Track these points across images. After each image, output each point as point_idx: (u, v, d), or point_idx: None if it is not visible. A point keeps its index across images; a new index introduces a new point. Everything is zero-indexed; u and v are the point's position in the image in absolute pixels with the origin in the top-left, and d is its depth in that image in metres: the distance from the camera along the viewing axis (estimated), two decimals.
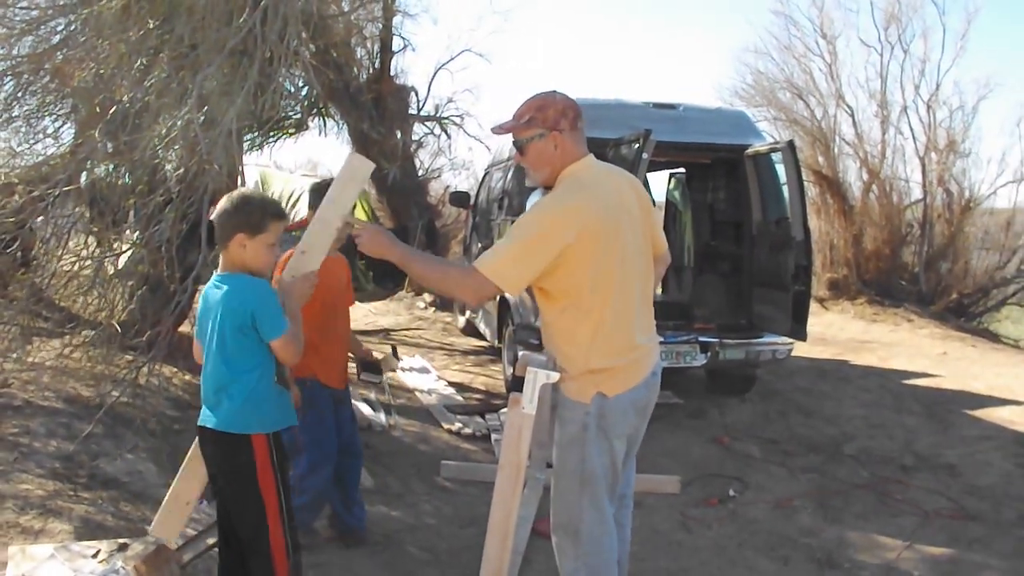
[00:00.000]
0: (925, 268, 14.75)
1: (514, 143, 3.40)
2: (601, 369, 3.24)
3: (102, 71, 5.59)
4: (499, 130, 3.43)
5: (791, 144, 7.26)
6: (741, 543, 5.05)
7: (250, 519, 3.22)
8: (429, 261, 3.27)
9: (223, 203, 3.18)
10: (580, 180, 3.29)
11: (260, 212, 3.16)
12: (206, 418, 3.21)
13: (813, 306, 7.78)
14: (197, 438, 3.32)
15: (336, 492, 4.56)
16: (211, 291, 3.20)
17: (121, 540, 4.01)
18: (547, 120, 3.26)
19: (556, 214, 3.17)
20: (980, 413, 7.71)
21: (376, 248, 3.26)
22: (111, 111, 5.33)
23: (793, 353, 7.61)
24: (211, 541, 4.02)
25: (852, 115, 15.88)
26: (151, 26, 5.48)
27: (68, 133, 6.57)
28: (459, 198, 10.66)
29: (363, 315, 12.55)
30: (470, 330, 10.72)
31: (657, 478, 5.91)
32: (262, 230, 3.14)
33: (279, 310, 3.16)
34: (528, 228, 3.16)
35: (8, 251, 5.77)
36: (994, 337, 13.44)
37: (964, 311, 14.28)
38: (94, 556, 3.84)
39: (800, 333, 7.23)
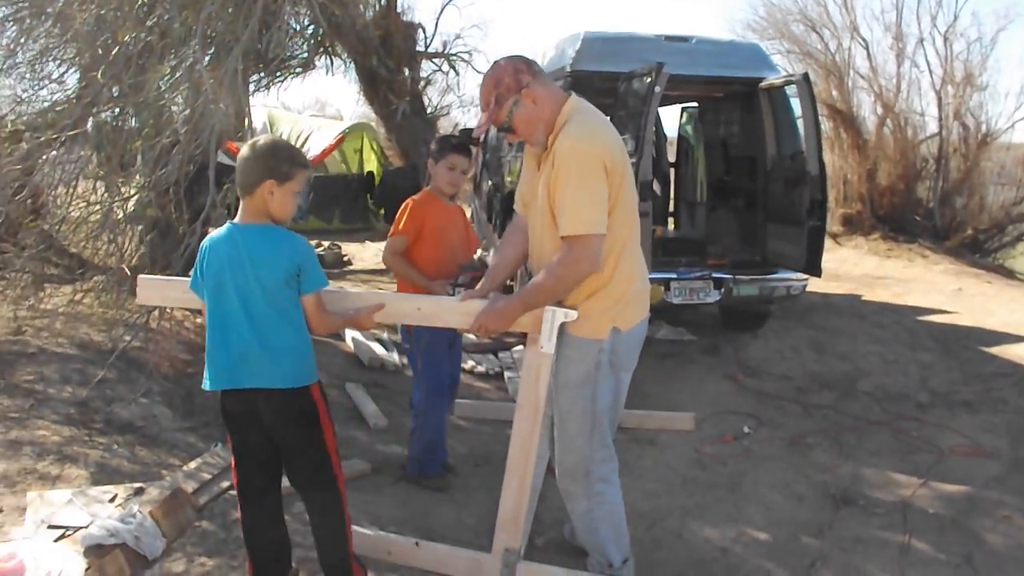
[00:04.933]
0: (940, 203, 14.60)
1: (500, 130, 3.37)
2: (620, 297, 3.22)
3: (104, 12, 5.50)
4: (480, 129, 3.44)
5: (806, 77, 7.13)
6: (756, 480, 5.05)
7: (313, 461, 3.26)
8: (538, 284, 3.18)
9: (247, 151, 3.11)
10: (586, 111, 3.26)
11: (288, 160, 3.11)
12: (258, 378, 3.13)
13: (827, 242, 7.70)
14: (228, 402, 3.22)
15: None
16: (239, 241, 3.10)
17: (137, 484, 4.04)
18: (510, 86, 3.23)
19: (592, 143, 3.13)
20: (996, 350, 7.66)
21: (506, 322, 3.27)
22: (114, 52, 5.25)
23: (807, 289, 7.55)
24: (225, 484, 4.05)
25: (867, 48, 15.64)
26: None
27: (73, 78, 6.50)
28: (469, 135, 10.56)
29: (373, 255, 12.54)
30: (482, 267, 10.68)
31: (671, 415, 5.91)
32: (290, 178, 3.09)
33: (319, 265, 3.19)
34: (579, 169, 3.10)
35: (17, 198, 5.73)
36: (1009, 273, 13.32)
37: (979, 247, 14.17)
38: (111, 500, 3.87)
39: (815, 269, 7.17)
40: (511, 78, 3.23)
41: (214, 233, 3.20)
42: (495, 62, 3.34)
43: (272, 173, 3.06)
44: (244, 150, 3.13)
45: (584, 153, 3.10)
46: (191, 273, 3.29)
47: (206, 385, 3.22)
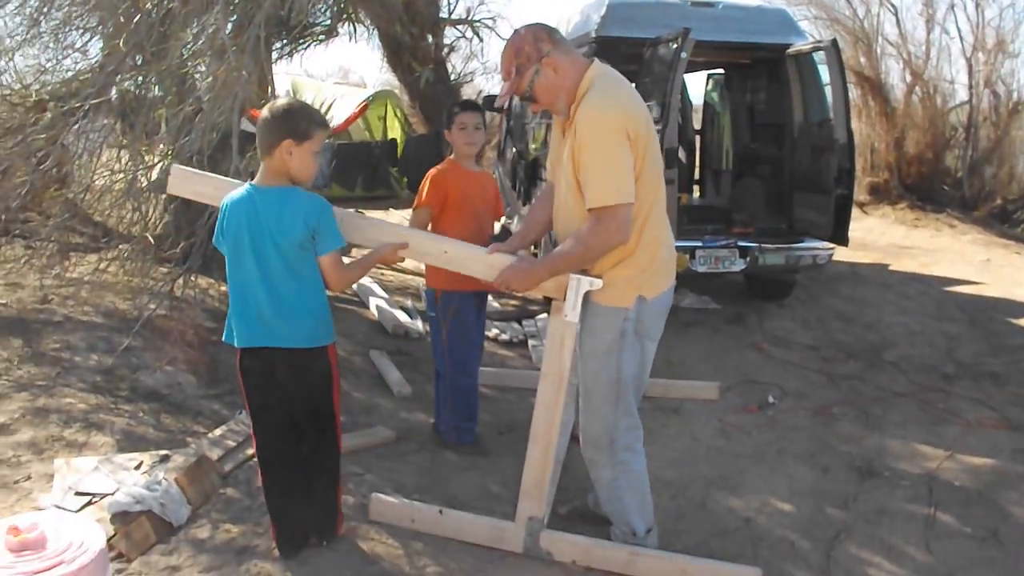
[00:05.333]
0: (969, 173, 14.39)
1: (523, 99, 3.37)
2: (646, 266, 3.20)
3: None
4: (502, 99, 3.42)
5: (834, 43, 7.04)
6: (780, 450, 5.02)
7: (320, 421, 3.35)
8: (566, 250, 3.17)
9: (265, 112, 3.15)
10: (608, 77, 3.23)
11: (306, 120, 3.14)
12: (275, 338, 3.18)
13: (853, 211, 7.62)
14: (246, 360, 3.27)
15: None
16: (257, 203, 3.13)
17: (163, 451, 4.07)
18: (530, 56, 3.21)
19: (614, 112, 3.10)
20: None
21: (529, 282, 3.27)
22: (135, 19, 5.23)
23: (833, 258, 7.48)
24: (250, 452, 4.07)
25: (896, 14, 15.37)
26: None
27: (96, 47, 6.49)
28: (492, 102, 10.49)
29: (397, 221, 12.50)
30: (504, 235, 10.66)
31: (696, 384, 5.88)
32: (308, 137, 3.12)
33: (336, 225, 3.20)
34: (602, 139, 3.07)
35: (42, 167, 5.75)
36: None
37: (1008, 217, 13.95)
38: (137, 468, 3.90)
39: (841, 238, 7.11)
40: (531, 47, 3.21)
41: (233, 193, 3.22)
42: (515, 31, 3.32)
43: (290, 133, 3.09)
44: (263, 112, 3.17)
45: (606, 122, 3.07)
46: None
47: (225, 337, 3.28)
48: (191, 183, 3.60)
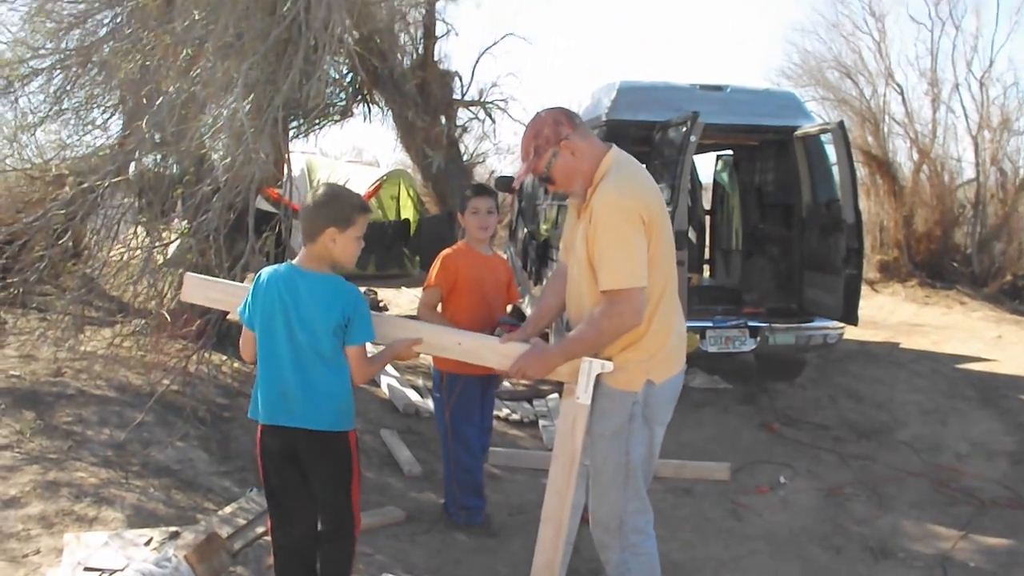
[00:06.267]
0: (978, 249, 14.47)
1: (540, 180, 3.42)
2: (656, 351, 3.22)
3: (148, 63, 5.63)
4: (519, 178, 3.58)
5: (841, 125, 7.15)
6: (792, 531, 4.99)
7: (342, 506, 3.32)
8: (580, 335, 3.21)
9: (310, 198, 3.22)
10: (625, 163, 3.29)
11: (349, 207, 3.20)
12: (298, 418, 3.19)
13: (863, 289, 7.66)
14: (267, 438, 3.28)
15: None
16: (298, 284, 3.18)
17: (173, 528, 4.06)
18: (549, 138, 3.27)
19: (630, 198, 3.15)
20: None
21: (544, 369, 3.31)
22: (158, 102, 5.36)
23: (844, 337, 7.49)
24: (260, 530, 4.06)
25: (902, 94, 15.63)
26: (196, 17, 5.50)
27: (116, 124, 6.66)
28: (505, 183, 10.59)
29: (409, 300, 12.60)
30: (516, 315, 10.71)
31: (707, 465, 5.86)
32: (351, 224, 3.18)
33: (370, 318, 3.24)
34: (617, 223, 3.12)
35: (60, 242, 5.84)
36: None
37: (1019, 293, 13.97)
38: (147, 544, 3.89)
39: (851, 317, 7.13)
40: (551, 129, 3.27)
41: (271, 268, 3.27)
42: (536, 113, 3.39)
43: (333, 221, 3.15)
44: (307, 199, 3.24)
45: (622, 207, 3.12)
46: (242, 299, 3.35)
47: (250, 412, 3.29)
48: (203, 289, 3.68)
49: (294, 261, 3.25)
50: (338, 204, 3.19)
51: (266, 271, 3.27)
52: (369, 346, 3.30)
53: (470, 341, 3.51)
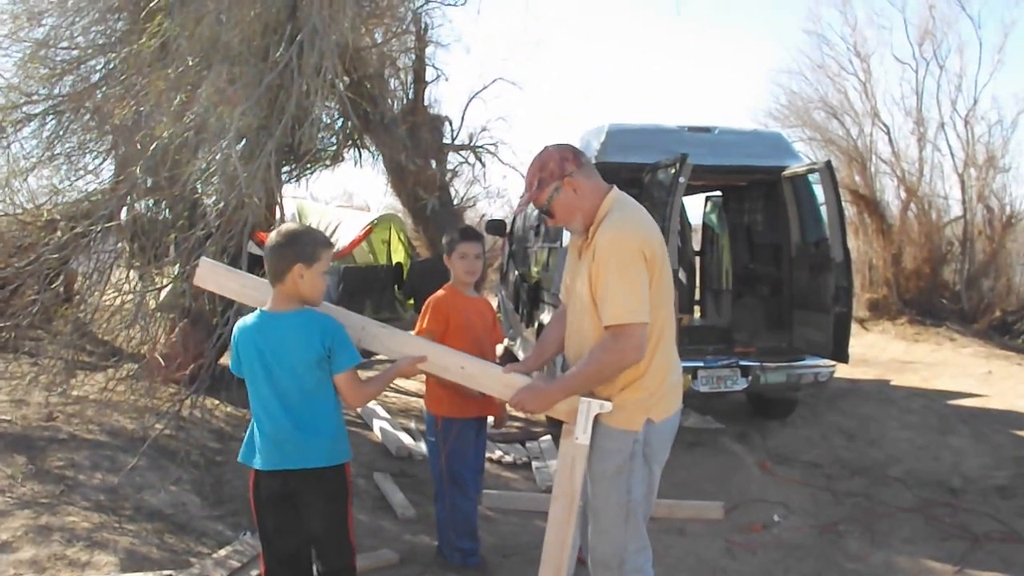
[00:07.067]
0: (967, 286, 14.55)
1: (541, 212, 3.47)
2: (655, 389, 3.23)
3: (141, 108, 5.69)
4: (520, 208, 3.53)
5: (829, 165, 7.23)
6: (787, 569, 4.98)
7: (339, 540, 3.34)
8: (580, 370, 3.23)
9: (273, 238, 3.23)
10: (626, 203, 3.33)
11: (312, 243, 3.23)
12: (291, 460, 3.20)
13: (853, 327, 7.70)
14: (262, 482, 3.28)
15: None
16: (268, 329, 3.21)
17: (167, 572, 4.05)
18: (554, 172, 3.31)
19: (633, 235, 3.18)
20: None
21: (544, 403, 3.32)
22: (151, 147, 5.41)
23: (835, 375, 7.52)
24: (254, 574, 4.04)
25: (888, 133, 15.79)
26: (189, 63, 5.57)
27: (108, 170, 6.70)
28: (495, 226, 10.66)
29: None
30: (508, 358, 10.72)
31: (700, 504, 5.86)
32: (316, 259, 3.21)
33: (351, 342, 3.26)
34: (619, 260, 3.14)
35: (52, 286, 5.85)
36: None
37: (1008, 328, 14.04)
38: None
39: (842, 355, 7.17)
40: (556, 164, 3.32)
41: (244, 320, 3.30)
42: (545, 147, 3.43)
43: (299, 257, 3.17)
44: (270, 240, 3.25)
45: (626, 243, 3.16)
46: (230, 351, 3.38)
47: (241, 457, 3.30)
48: (216, 275, 3.68)
49: (265, 307, 3.28)
50: (301, 241, 3.21)
51: (238, 325, 3.30)
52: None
53: (473, 366, 3.52)
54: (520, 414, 8.22)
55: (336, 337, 3.21)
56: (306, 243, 3.21)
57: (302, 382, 3.17)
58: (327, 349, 3.17)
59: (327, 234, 9.97)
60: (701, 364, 7.07)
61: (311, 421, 3.19)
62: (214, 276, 3.68)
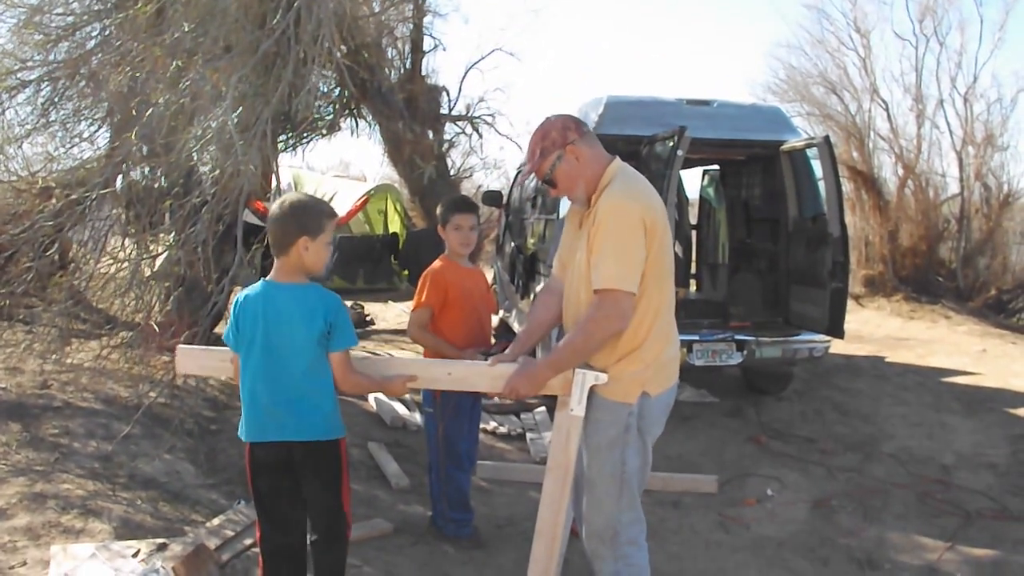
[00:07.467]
0: (963, 264, 14.58)
1: (543, 182, 3.45)
2: (651, 362, 3.22)
3: (137, 75, 5.63)
4: (524, 176, 3.49)
5: (827, 140, 7.20)
6: (780, 543, 5.00)
7: (333, 513, 3.35)
8: (567, 342, 3.23)
9: (276, 210, 3.20)
10: (629, 173, 3.32)
11: (317, 214, 3.21)
12: (287, 431, 3.20)
13: (849, 303, 7.70)
14: (259, 455, 3.28)
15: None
16: (275, 298, 3.19)
17: (160, 540, 4.04)
18: (556, 141, 3.30)
19: (635, 203, 3.16)
20: (1021, 411, 7.61)
21: (536, 385, 3.29)
22: (146, 114, 5.37)
23: (830, 351, 7.53)
24: (248, 542, 4.05)
25: (887, 109, 15.76)
26: (185, 29, 5.52)
27: (104, 137, 6.65)
28: (492, 197, 10.62)
29: (396, 315, 12.60)
30: (503, 329, 10.72)
31: (694, 478, 5.87)
32: (322, 230, 3.19)
33: (351, 324, 3.26)
34: (618, 226, 3.12)
35: (47, 254, 5.83)
36: None
37: (1003, 307, 14.09)
38: (134, 555, 3.87)
39: (837, 331, 7.16)
40: (558, 133, 3.30)
41: (248, 289, 3.27)
42: (547, 117, 3.41)
43: (305, 229, 3.14)
44: (273, 211, 3.21)
45: (626, 211, 3.14)
46: (225, 328, 3.35)
47: (241, 435, 3.29)
48: (196, 359, 3.70)
49: (269, 276, 3.25)
50: (307, 212, 3.19)
51: (242, 293, 3.28)
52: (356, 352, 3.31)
53: (459, 369, 3.54)
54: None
55: (338, 315, 3.19)
56: (312, 215, 3.19)
57: (302, 355, 3.15)
58: (328, 326, 3.16)
59: None
60: (696, 338, 7.07)
61: (307, 395, 3.19)
62: (194, 360, 3.70)
